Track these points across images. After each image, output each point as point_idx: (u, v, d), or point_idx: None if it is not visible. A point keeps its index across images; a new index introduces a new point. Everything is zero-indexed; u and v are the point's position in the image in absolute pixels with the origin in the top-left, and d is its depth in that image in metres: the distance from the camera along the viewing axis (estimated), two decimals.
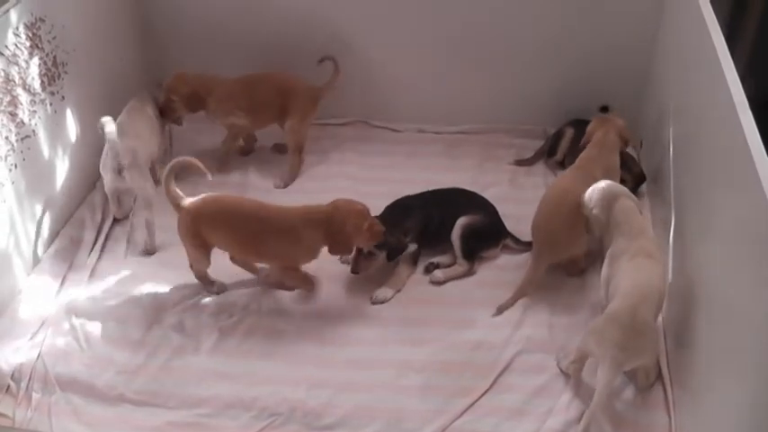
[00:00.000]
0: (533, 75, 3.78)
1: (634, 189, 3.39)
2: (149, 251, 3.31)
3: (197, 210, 2.92)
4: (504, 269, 3.16)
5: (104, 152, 3.22)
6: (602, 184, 2.86)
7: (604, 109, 3.82)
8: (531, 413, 2.61)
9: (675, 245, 2.89)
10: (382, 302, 3.02)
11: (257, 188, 3.62)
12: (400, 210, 3.19)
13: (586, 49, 3.71)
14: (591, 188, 2.87)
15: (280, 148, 3.82)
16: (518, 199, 3.49)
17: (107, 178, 3.26)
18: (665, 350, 2.77)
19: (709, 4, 2.92)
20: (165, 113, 3.59)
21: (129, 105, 3.49)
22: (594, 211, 2.81)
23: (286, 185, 3.65)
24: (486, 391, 2.68)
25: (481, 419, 2.60)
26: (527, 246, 3.20)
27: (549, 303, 3.00)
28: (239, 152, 3.84)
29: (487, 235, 3.21)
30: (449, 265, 3.15)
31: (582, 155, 3.19)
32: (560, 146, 3.67)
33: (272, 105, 3.63)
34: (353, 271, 3.07)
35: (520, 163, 3.77)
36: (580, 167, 3.13)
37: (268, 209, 2.94)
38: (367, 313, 3.00)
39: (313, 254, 2.97)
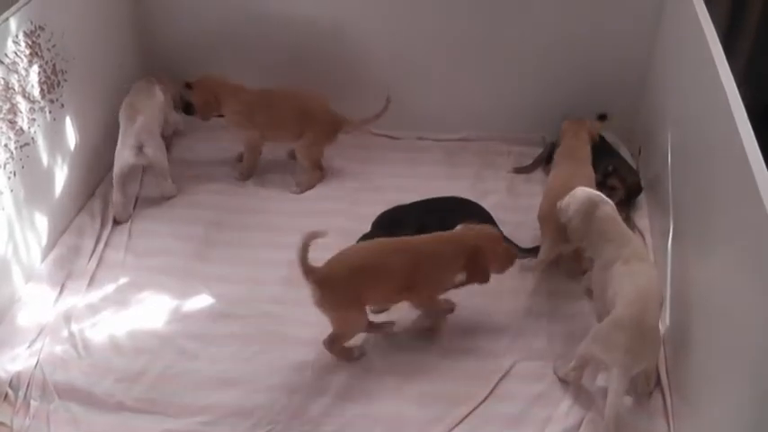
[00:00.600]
0: (532, 83, 3.78)
1: (628, 200, 3.39)
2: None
3: (348, 266, 2.72)
4: (502, 277, 3.15)
5: (122, 132, 3.45)
6: (579, 192, 2.85)
7: (602, 117, 3.83)
8: (529, 421, 2.61)
9: (674, 253, 2.89)
10: (382, 310, 3.02)
11: (276, 197, 3.64)
12: (390, 221, 3.20)
13: (585, 58, 3.72)
14: (567, 197, 2.87)
15: (294, 154, 3.78)
16: (516, 207, 3.49)
17: (125, 155, 3.41)
18: (665, 358, 2.77)
19: (706, 13, 2.93)
20: (203, 113, 3.62)
21: (135, 86, 3.66)
22: (573, 222, 2.81)
23: (302, 192, 3.65)
24: (484, 399, 2.68)
25: (480, 427, 2.60)
26: (526, 252, 3.21)
27: (547, 311, 3.01)
28: (240, 177, 3.76)
29: None
30: None
31: (563, 147, 3.37)
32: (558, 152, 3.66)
33: (291, 125, 3.60)
34: None
35: (518, 170, 3.77)
36: (572, 156, 3.28)
37: (411, 242, 2.81)
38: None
39: (452, 282, 2.90)
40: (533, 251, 3.22)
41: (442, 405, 2.65)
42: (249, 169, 3.72)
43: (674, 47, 3.30)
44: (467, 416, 2.62)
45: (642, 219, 3.36)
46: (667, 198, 3.05)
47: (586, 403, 2.64)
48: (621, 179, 3.39)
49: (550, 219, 2.99)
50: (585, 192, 2.85)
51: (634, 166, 3.59)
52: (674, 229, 2.94)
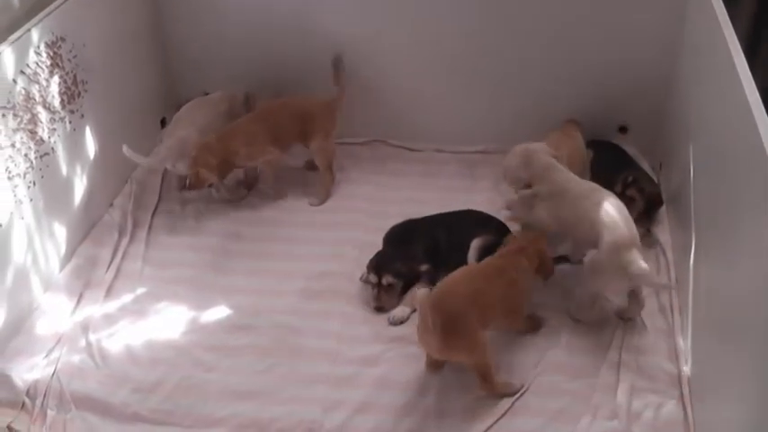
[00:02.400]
0: (552, 96, 3.76)
1: (647, 212, 3.35)
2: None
3: (461, 295, 2.64)
4: None
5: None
6: (515, 148, 3.08)
7: (623, 129, 3.82)
8: None
9: (696, 268, 2.86)
10: (400, 323, 3.00)
11: (292, 209, 3.64)
12: (401, 236, 3.19)
13: (605, 70, 3.69)
14: (506, 158, 3.10)
15: (311, 165, 3.80)
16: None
17: (156, 163, 3.63)
18: (687, 374, 2.73)
19: (729, 23, 2.89)
20: (196, 186, 3.49)
21: (204, 97, 3.78)
22: (516, 172, 3.04)
23: (321, 203, 3.64)
24: (503, 414, 2.64)
25: None
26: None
27: (567, 324, 2.98)
28: (245, 186, 3.78)
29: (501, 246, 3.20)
30: None
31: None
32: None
33: (293, 130, 3.63)
34: (379, 308, 3.05)
35: None
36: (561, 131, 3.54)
37: (500, 264, 2.81)
38: (384, 333, 2.98)
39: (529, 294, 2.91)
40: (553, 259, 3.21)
41: (460, 420, 2.62)
42: (272, 185, 3.71)
43: (696, 60, 3.27)
44: (486, 431, 2.59)
45: (663, 234, 3.33)
46: (689, 213, 3.02)
47: (607, 419, 2.60)
48: (640, 189, 3.35)
49: None
50: (522, 145, 3.08)
51: (655, 179, 3.56)
52: (696, 244, 2.90)
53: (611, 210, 2.85)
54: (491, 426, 2.60)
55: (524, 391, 2.71)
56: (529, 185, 3.05)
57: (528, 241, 2.89)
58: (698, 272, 2.84)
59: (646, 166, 3.64)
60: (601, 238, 2.80)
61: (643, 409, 2.64)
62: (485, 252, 3.11)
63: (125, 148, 3.33)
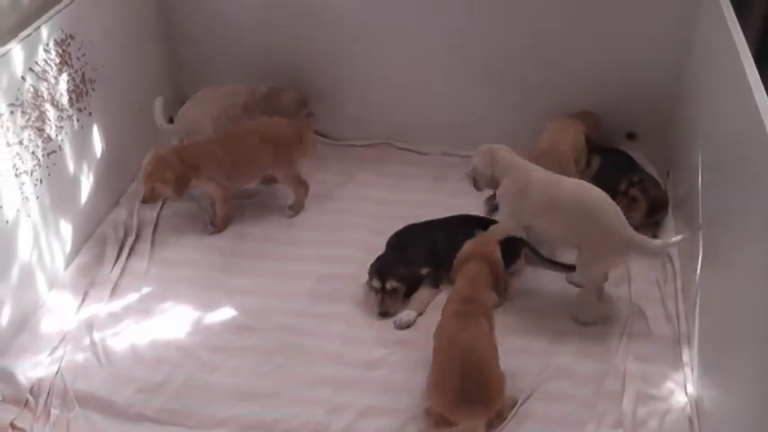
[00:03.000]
0: (561, 102, 3.74)
1: (650, 214, 3.34)
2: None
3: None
4: (531, 296, 3.14)
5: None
6: (480, 147, 3.15)
7: (631, 136, 3.81)
8: None
9: (703, 275, 2.85)
10: (406, 326, 2.99)
11: (272, 223, 3.57)
12: (401, 241, 3.19)
13: (613, 77, 3.69)
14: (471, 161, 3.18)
15: (269, 179, 3.71)
16: None
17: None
18: (693, 382, 2.72)
19: (739, 29, 2.89)
20: (150, 199, 3.34)
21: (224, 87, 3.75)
22: (481, 169, 3.11)
23: (296, 213, 3.60)
24: (509, 420, 2.62)
25: None
26: (545, 261, 3.24)
27: (575, 330, 2.97)
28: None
29: (507, 251, 3.17)
30: None
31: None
32: (586, 174, 3.62)
33: (261, 156, 3.47)
34: (383, 313, 3.04)
35: None
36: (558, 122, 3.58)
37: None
38: (389, 336, 2.97)
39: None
40: (559, 265, 3.24)
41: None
42: (226, 220, 3.54)
43: (705, 67, 3.27)
44: None
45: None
46: (697, 219, 3.01)
47: (612, 427, 2.59)
48: (644, 190, 3.35)
49: None
50: (484, 145, 3.15)
51: (662, 185, 3.54)
52: (703, 250, 2.89)
53: (593, 189, 2.96)
54: (497, 430, 2.58)
55: (529, 397, 2.70)
56: (495, 185, 3.11)
57: (481, 255, 2.79)
58: (705, 280, 2.83)
59: (653, 172, 3.63)
60: (590, 220, 2.88)
61: (648, 417, 2.63)
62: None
63: (157, 101, 3.44)
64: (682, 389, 2.73)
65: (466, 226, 3.24)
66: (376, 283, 3.05)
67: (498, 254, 2.82)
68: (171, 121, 3.79)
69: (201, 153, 3.40)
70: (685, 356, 2.84)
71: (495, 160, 3.08)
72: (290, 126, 3.53)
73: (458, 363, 2.52)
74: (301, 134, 3.53)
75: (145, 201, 3.36)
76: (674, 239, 2.97)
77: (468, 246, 2.84)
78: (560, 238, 3.13)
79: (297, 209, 3.60)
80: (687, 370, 2.79)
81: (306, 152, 3.56)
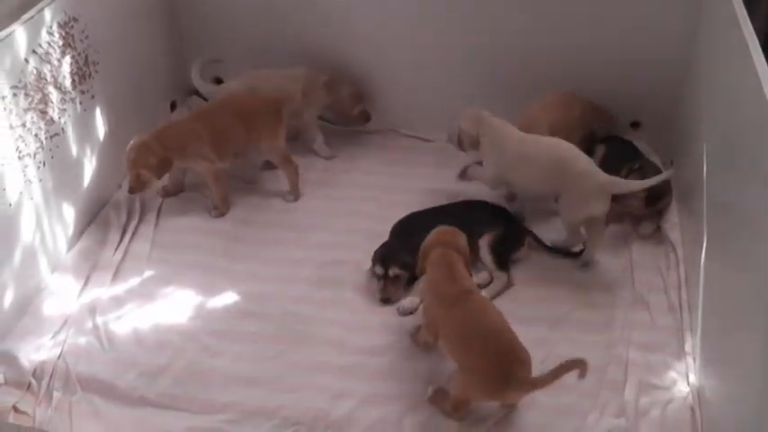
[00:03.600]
0: (565, 89, 3.71)
1: (648, 202, 3.31)
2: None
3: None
4: (533, 284, 3.13)
5: None
6: (463, 111, 3.32)
7: (635, 125, 3.80)
8: None
9: (707, 265, 2.84)
10: (409, 313, 2.99)
11: (276, 208, 3.56)
12: (406, 228, 3.18)
13: (618, 66, 3.66)
14: (455, 124, 3.35)
15: (270, 164, 3.69)
16: (548, 210, 3.45)
17: None
18: (696, 372, 2.72)
19: (747, 19, 2.86)
20: (137, 188, 3.30)
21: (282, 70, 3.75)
22: (467, 131, 3.30)
23: (297, 198, 3.59)
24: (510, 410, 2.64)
25: None
26: (549, 249, 3.25)
27: (577, 319, 2.97)
28: (163, 194, 3.59)
29: (511, 239, 3.21)
30: (488, 284, 3.11)
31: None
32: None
33: (236, 130, 3.44)
34: (385, 299, 3.04)
35: None
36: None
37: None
38: (393, 324, 2.97)
39: None
40: (563, 252, 3.25)
41: (468, 413, 2.60)
42: (224, 200, 3.53)
43: (711, 56, 3.25)
44: (492, 425, 2.58)
45: (673, 231, 3.30)
46: (701, 210, 3.00)
47: (614, 416, 2.59)
48: (643, 177, 3.32)
49: None
50: (469, 108, 3.34)
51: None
52: (707, 241, 2.88)
53: (563, 143, 3.18)
54: (498, 420, 2.60)
55: None
56: (477, 145, 3.31)
57: (446, 241, 2.75)
58: (709, 269, 2.83)
59: (657, 161, 3.61)
60: (562, 169, 3.10)
61: (650, 407, 2.63)
62: (496, 248, 3.10)
63: (197, 62, 3.48)
64: (684, 378, 2.73)
65: (470, 212, 3.25)
66: (379, 270, 3.05)
67: (464, 241, 2.78)
68: (173, 106, 3.78)
69: (183, 133, 3.38)
70: (688, 346, 2.84)
71: (479, 121, 3.28)
72: (263, 100, 3.51)
73: (494, 342, 2.48)
74: (276, 105, 3.51)
75: (131, 190, 3.32)
76: (655, 178, 3.07)
77: (433, 234, 2.80)
78: (537, 190, 3.28)
79: (294, 190, 3.59)
80: (689, 360, 2.79)
81: (279, 122, 3.52)
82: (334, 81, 3.75)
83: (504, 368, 2.41)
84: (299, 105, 3.67)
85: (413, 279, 3.09)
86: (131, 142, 3.27)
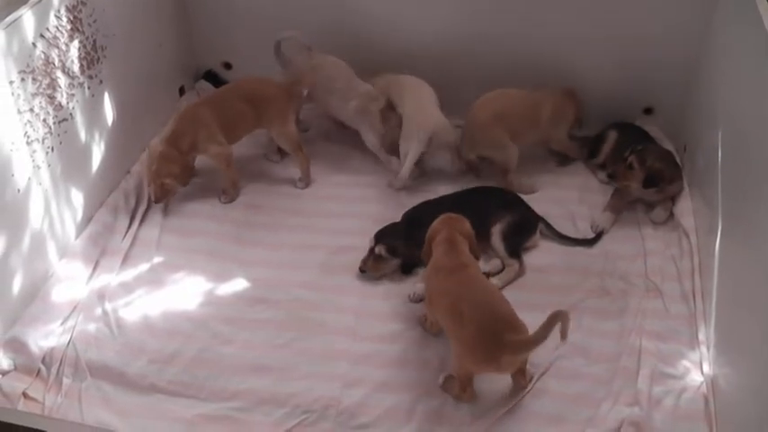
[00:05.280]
0: (576, 77, 3.68)
1: (647, 185, 3.27)
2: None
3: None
4: (546, 272, 3.11)
5: None
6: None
7: (648, 111, 3.76)
8: (568, 421, 2.56)
9: (722, 251, 2.81)
10: (420, 300, 2.96)
11: (315, 182, 3.58)
12: (419, 218, 3.12)
13: (632, 51, 3.62)
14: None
15: (282, 150, 3.68)
16: (561, 198, 3.46)
17: None
18: (709, 361, 2.70)
19: (764, 2, 2.82)
20: (160, 198, 3.36)
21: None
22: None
23: (308, 184, 3.58)
24: (523, 396, 2.62)
25: (518, 425, 2.55)
26: (561, 236, 3.23)
27: (591, 307, 2.95)
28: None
29: (523, 226, 3.19)
30: (500, 271, 3.09)
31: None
32: (603, 149, 3.60)
33: (245, 115, 3.46)
34: (361, 269, 3.06)
35: (561, 163, 3.70)
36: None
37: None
38: (405, 311, 2.95)
39: None
40: (574, 240, 3.23)
41: (480, 400, 2.60)
42: (234, 184, 3.52)
43: (725, 41, 3.21)
44: (505, 413, 2.57)
45: (687, 218, 3.27)
46: (716, 196, 2.96)
47: (627, 405, 2.57)
48: (642, 161, 3.28)
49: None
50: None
51: (677, 160, 3.48)
52: (722, 227, 2.85)
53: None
54: (510, 407, 2.58)
55: (543, 374, 2.69)
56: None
57: (451, 225, 2.79)
58: (723, 257, 2.80)
59: (671, 147, 3.58)
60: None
61: (664, 396, 2.61)
62: (508, 235, 3.08)
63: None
64: (698, 367, 2.71)
65: (483, 199, 3.24)
66: (370, 242, 3.08)
67: (469, 227, 2.80)
68: (182, 90, 3.73)
69: (192, 126, 3.38)
70: (701, 335, 2.81)
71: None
72: (273, 85, 3.51)
73: (484, 309, 2.51)
74: (287, 91, 3.51)
75: (157, 200, 3.36)
76: None
77: (438, 221, 2.82)
78: None
79: (305, 177, 3.57)
80: (703, 348, 2.76)
81: (290, 107, 3.52)
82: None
83: (494, 333, 2.43)
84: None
85: (409, 267, 3.08)
86: (147, 153, 3.34)
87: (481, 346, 2.46)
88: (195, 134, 3.37)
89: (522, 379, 2.64)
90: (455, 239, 2.73)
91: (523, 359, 2.58)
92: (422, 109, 3.49)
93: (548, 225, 3.24)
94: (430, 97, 3.56)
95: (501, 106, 3.48)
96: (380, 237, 3.07)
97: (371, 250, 3.06)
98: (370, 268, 3.05)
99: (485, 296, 2.58)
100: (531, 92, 3.54)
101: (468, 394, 2.58)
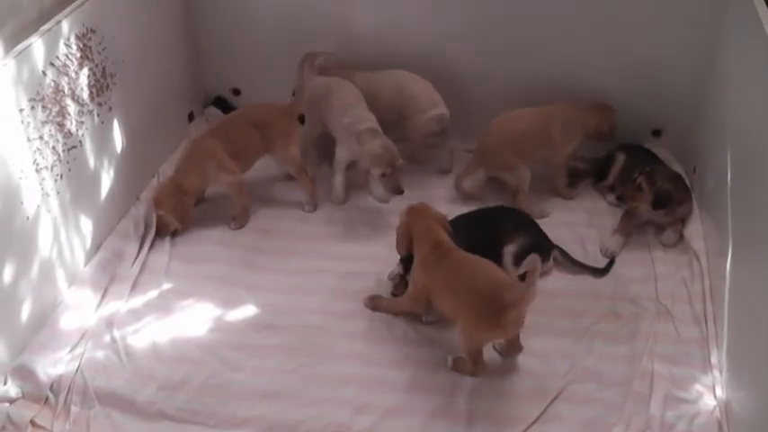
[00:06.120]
0: (585, 97, 3.67)
1: (656, 206, 3.27)
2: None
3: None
4: (557, 296, 3.09)
5: None
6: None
7: (656, 133, 3.76)
8: None
9: (733, 273, 2.79)
10: (434, 321, 2.95)
11: (323, 207, 3.58)
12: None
13: (640, 72, 3.64)
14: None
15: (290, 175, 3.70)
16: (570, 222, 3.46)
17: None
18: (722, 385, 2.67)
19: None
20: (159, 231, 3.39)
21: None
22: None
23: (315, 208, 3.59)
24: (534, 421, 2.60)
25: None
26: (575, 263, 3.21)
27: (600, 333, 2.93)
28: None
29: (537, 251, 3.12)
30: None
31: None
32: (611, 171, 3.59)
33: (252, 141, 3.49)
34: (393, 293, 3.08)
35: (570, 186, 3.70)
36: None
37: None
38: (416, 335, 2.93)
39: None
40: (587, 267, 3.20)
41: (490, 425, 2.58)
42: (245, 211, 3.53)
43: (733, 62, 3.21)
44: None
45: (697, 240, 3.26)
46: (726, 218, 2.95)
47: (640, 430, 2.55)
48: (651, 181, 3.29)
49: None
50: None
51: (686, 182, 3.47)
52: (733, 249, 2.83)
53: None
54: (523, 431, 2.56)
55: (555, 399, 2.66)
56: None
57: (423, 215, 2.91)
58: (734, 279, 2.78)
59: (680, 170, 3.57)
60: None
61: (677, 421, 2.59)
62: (520, 257, 3.07)
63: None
64: (710, 392, 2.68)
65: (498, 219, 3.23)
66: (398, 268, 3.09)
67: (436, 210, 2.95)
68: (191, 117, 3.74)
69: (198, 163, 3.41)
70: (714, 358, 2.79)
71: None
72: (277, 108, 3.55)
73: (477, 280, 2.68)
74: (290, 114, 3.54)
75: (158, 232, 3.39)
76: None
77: (406, 215, 2.93)
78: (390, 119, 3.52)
79: (310, 200, 3.58)
80: (716, 372, 2.74)
81: (294, 129, 3.55)
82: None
83: (492, 295, 2.58)
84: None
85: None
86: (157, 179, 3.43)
87: (483, 310, 2.60)
88: (203, 170, 3.40)
89: (517, 341, 2.78)
90: (432, 229, 2.86)
91: (523, 321, 2.69)
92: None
93: (563, 252, 3.22)
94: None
95: (510, 129, 3.49)
96: (408, 263, 3.03)
97: (402, 276, 3.06)
98: (401, 293, 3.04)
99: (475, 269, 2.73)
100: (543, 108, 3.55)
101: (480, 367, 2.71)
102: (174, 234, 3.42)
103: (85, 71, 3.10)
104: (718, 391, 2.67)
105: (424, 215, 2.91)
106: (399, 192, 3.29)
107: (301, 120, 3.56)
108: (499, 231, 3.08)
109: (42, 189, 2.88)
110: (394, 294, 3.06)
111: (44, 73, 2.86)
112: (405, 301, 2.97)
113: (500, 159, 3.48)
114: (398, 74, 3.69)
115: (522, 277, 2.60)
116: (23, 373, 2.73)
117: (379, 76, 3.70)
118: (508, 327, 2.64)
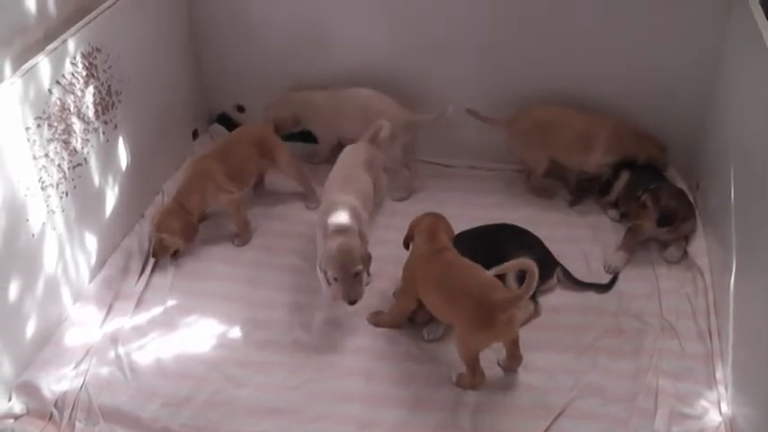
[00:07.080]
0: (592, 113, 3.70)
1: (661, 224, 3.28)
2: None
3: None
4: (561, 312, 3.09)
5: None
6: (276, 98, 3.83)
7: (661, 149, 3.76)
8: None
9: (737, 290, 2.79)
10: (436, 339, 2.95)
11: (299, 235, 3.54)
12: None
13: (643, 88, 3.65)
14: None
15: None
16: (574, 237, 3.46)
17: None
18: (727, 401, 2.66)
19: None
20: (158, 253, 3.34)
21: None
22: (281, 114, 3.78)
23: (317, 205, 3.55)
24: None
25: None
26: (577, 283, 3.20)
27: (604, 349, 2.92)
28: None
29: (541, 269, 3.14)
30: None
31: None
32: (615, 187, 3.60)
33: (251, 159, 3.56)
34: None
35: (573, 202, 3.70)
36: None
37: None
38: (419, 351, 2.93)
39: None
40: (592, 286, 3.20)
41: None
42: (246, 227, 3.53)
43: (737, 78, 3.22)
44: None
45: (701, 256, 3.25)
46: (729, 234, 2.96)
47: None
48: (656, 199, 3.30)
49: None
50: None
51: (690, 199, 3.48)
52: (736, 265, 2.84)
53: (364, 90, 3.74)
54: None
55: (559, 415, 2.66)
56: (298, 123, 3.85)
57: (434, 217, 3.00)
58: (738, 295, 2.78)
59: (683, 186, 3.57)
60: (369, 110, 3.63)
61: None
62: (522, 275, 3.07)
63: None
64: (716, 407, 2.67)
65: (502, 236, 3.23)
66: None
67: (448, 223, 3.01)
68: (195, 134, 3.76)
69: (199, 183, 3.42)
70: (719, 374, 2.78)
71: (291, 102, 3.77)
72: (266, 127, 3.70)
73: (468, 281, 2.72)
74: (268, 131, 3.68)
75: (155, 255, 3.35)
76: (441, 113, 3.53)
77: (421, 215, 3.04)
78: (356, 134, 3.53)
79: (310, 196, 3.66)
80: (721, 388, 2.73)
81: (282, 146, 3.66)
82: None
83: (483, 297, 2.62)
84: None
85: None
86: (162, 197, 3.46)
87: (475, 313, 2.62)
88: (203, 190, 3.42)
89: (516, 350, 2.77)
90: (435, 226, 2.93)
91: (517, 324, 2.74)
92: None
93: (565, 272, 3.22)
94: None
95: (549, 119, 3.63)
96: None
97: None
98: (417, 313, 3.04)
99: (466, 271, 2.78)
100: (593, 116, 3.63)
101: (478, 376, 2.72)
102: (175, 256, 3.42)
103: (91, 89, 3.12)
104: (724, 407, 2.66)
105: (433, 216, 3.00)
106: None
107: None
108: (503, 249, 3.07)
109: (48, 206, 2.90)
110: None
111: (50, 91, 2.88)
112: (398, 301, 3.00)
113: (524, 139, 3.67)
114: (359, 91, 3.75)
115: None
116: (28, 390, 2.73)
117: (341, 94, 3.78)
118: (501, 328, 2.63)
